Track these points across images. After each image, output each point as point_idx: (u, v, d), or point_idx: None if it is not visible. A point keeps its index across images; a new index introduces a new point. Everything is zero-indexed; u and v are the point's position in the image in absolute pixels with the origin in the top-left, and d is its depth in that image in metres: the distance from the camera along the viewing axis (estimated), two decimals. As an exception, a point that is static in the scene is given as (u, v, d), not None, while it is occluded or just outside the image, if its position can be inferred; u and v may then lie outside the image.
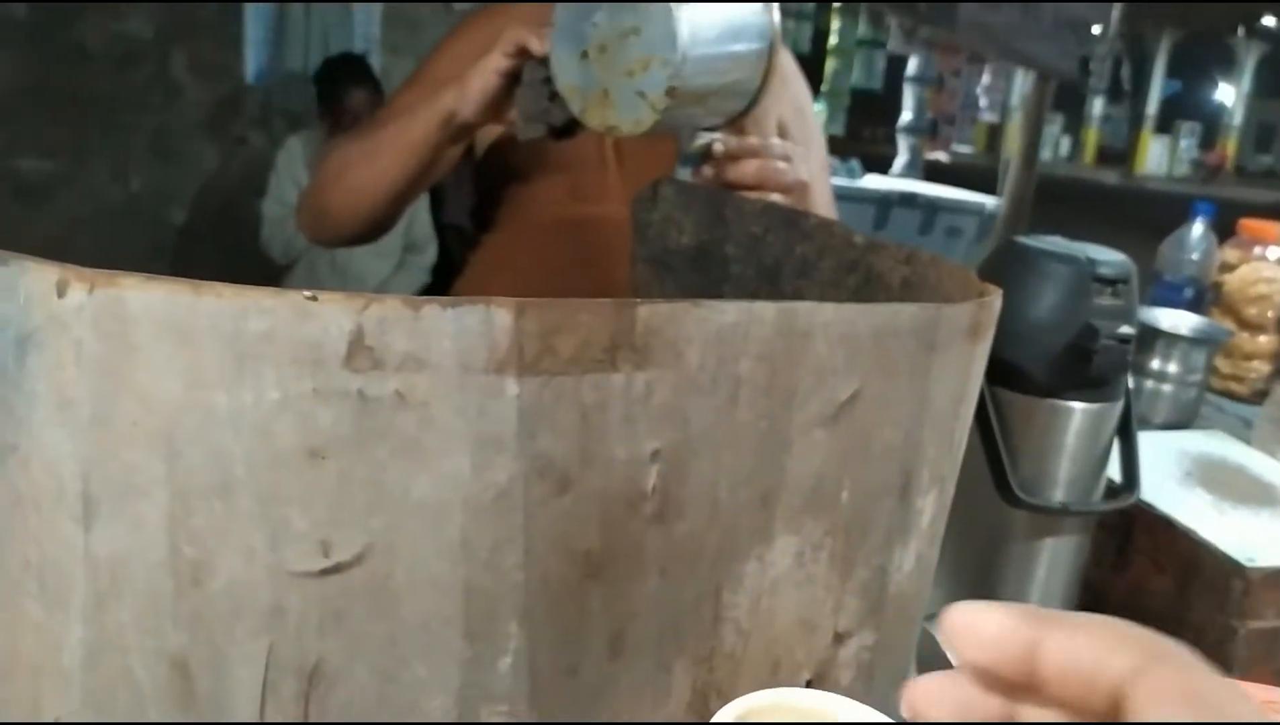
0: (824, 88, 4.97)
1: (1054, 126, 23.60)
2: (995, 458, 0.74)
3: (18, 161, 2.92)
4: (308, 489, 0.32)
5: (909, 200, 4.16)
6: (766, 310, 0.38)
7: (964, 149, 4.95)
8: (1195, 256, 1.56)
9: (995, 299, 0.47)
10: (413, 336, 0.31)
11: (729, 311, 0.37)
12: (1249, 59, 20.69)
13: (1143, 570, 0.89)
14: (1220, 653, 0.80)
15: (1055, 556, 0.79)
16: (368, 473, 0.32)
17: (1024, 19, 3.09)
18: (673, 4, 0.69)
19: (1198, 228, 1.57)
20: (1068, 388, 0.74)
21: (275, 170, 2.82)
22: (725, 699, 0.40)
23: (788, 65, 1.16)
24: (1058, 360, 0.73)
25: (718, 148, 0.88)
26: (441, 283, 3.07)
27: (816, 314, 0.40)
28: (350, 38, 3.15)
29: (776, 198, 0.75)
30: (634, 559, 0.36)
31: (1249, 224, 1.60)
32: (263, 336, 0.31)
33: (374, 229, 1.02)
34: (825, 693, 0.35)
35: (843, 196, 4.17)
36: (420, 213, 2.93)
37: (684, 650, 0.39)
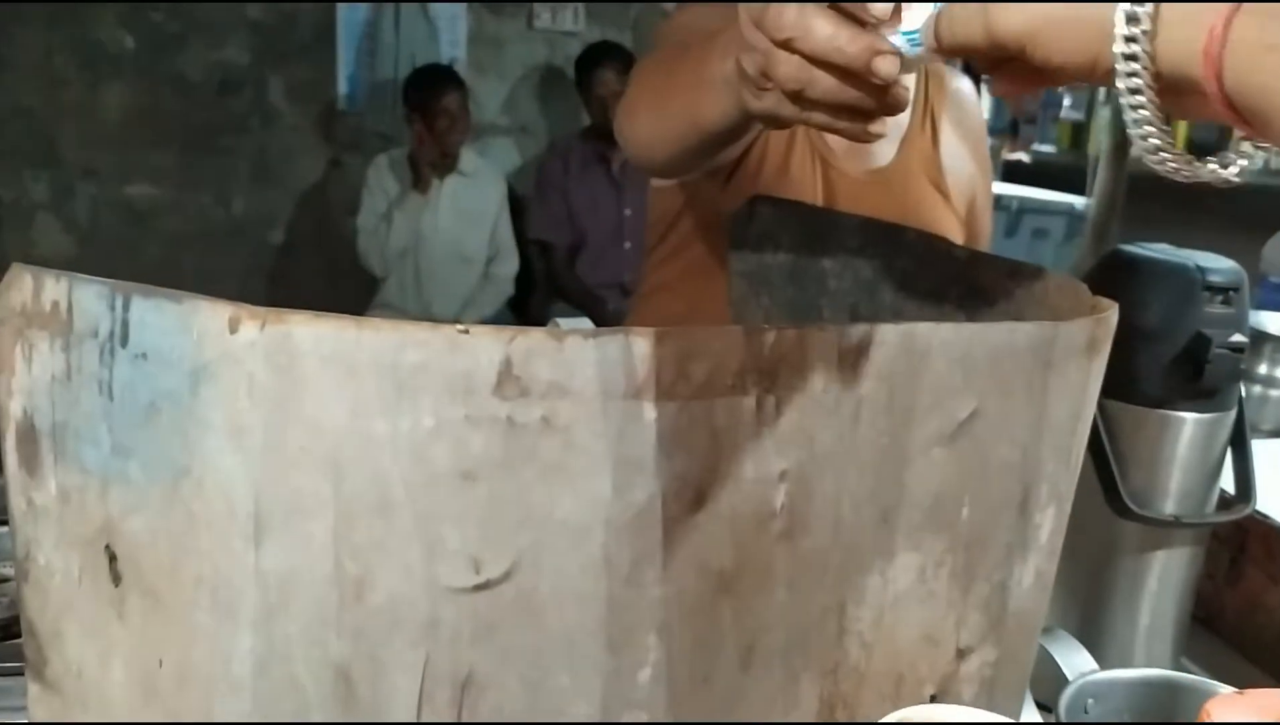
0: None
1: (1145, 120, 22.84)
2: (1105, 469, 0.73)
3: (128, 188, 3.07)
4: (461, 509, 0.34)
5: (994, 202, 4.07)
6: (889, 332, 0.39)
7: (1046, 148, 4.80)
8: (1305, 256, 1.51)
9: (1112, 315, 0.47)
10: (557, 366, 0.33)
11: (852, 334, 0.38)
12: None
13: (1257, 583, 0.87)
14: (1345, 668, 0.78)
15: (1167, 569, 0.77)
16: (516, 493, 0.34)
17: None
18: None
19: (1308, 226, 1.52)
20: (1178, 398, 0.73)
21: (367, 187, 2.94)
22: (851, 711, 0.41)
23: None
24: (1168, 370, 0.72)
25: None
26: (523, 294, 3.13)
27: (935, 334, 0.40)
28: (437, 58, 3.24)
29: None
30: (763, 574, 0.38)
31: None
32: (419, 367, 0.34)
33: (675, 172, 0.90)
34: (962, 707, 0.36)
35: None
36: (502, 222, 3.02)
37: (811, 662, 0.40)
